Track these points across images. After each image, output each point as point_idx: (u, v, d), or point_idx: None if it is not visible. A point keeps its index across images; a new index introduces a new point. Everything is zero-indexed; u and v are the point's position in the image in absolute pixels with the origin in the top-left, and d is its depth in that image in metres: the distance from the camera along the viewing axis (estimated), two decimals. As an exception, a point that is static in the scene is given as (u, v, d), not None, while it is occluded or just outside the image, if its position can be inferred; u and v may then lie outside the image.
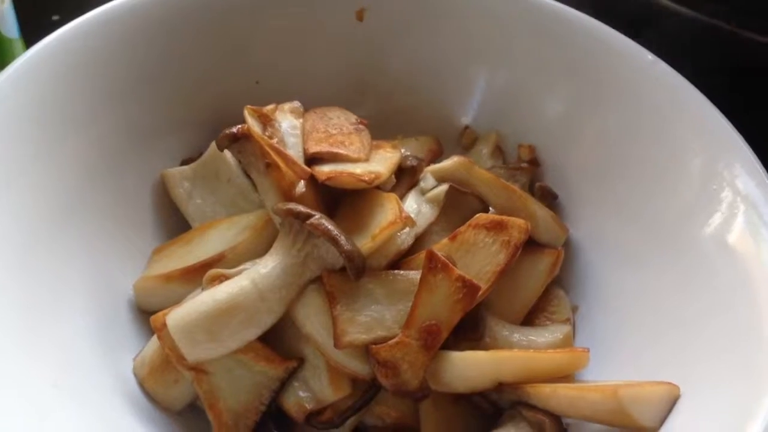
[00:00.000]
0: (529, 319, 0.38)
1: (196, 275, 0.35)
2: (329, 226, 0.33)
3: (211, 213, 0.39)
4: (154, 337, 0.35)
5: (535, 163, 0.42)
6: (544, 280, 0.38)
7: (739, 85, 0.49)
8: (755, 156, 0.35)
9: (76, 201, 0.36)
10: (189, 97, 0.41)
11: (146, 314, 0.36)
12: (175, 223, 0.40)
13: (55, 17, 0.56)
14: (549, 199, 0.41)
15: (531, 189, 0.41)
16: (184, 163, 0.41)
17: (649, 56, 0.39)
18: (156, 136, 0.40)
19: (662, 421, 0.30)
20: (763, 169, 0.35)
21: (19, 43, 0.46)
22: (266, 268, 0.33)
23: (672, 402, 0.30)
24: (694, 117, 0.37)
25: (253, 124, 0.36)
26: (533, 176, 0.42)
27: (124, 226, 0.38)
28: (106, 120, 0.38)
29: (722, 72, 0.49)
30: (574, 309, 0.39)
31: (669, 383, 0.30)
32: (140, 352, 0.35)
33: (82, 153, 0.37)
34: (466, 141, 0.43)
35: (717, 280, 0.33)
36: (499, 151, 0.43)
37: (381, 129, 0.41)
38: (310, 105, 0.41)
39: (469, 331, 0.35)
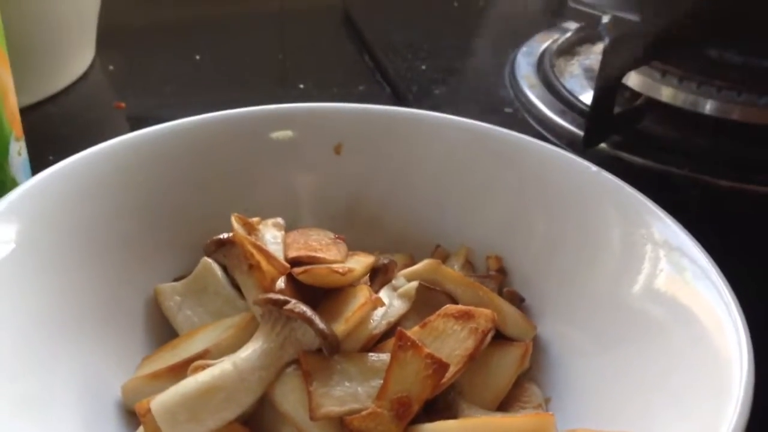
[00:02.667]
0: (502, 408, 0.39)
1: (182, 371, 0.37)
2: (304, 309, 0.36)
3: (198, 322, 0.42)
4: (139, 429, 0.36)
5: (502, 271, 0.45)
6: (514, 370, 0.39)
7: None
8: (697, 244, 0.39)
9: (72, 308, 0.39)
10: (181, 222, 0.45)
11: (133, 415, 0.38)
12: (166, 335, 0.42)
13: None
14: (517, 302, 0.43)
15: (501, 294, 0.44)
16: (176, 280, 0.44)
17: (593, 168, 0.44)
18: (152, 255, 0.44)
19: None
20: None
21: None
22: (246, 351, 0.36)
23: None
24: (639, 217, 0.41)
25: (238, 228, 0.40)
26: (501, 284, 0.44)
27: (117, 335, 0.41)
28: (107, 239, 0.42)
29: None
30: (547, 401, 0.40)
31: None
32: (123, 445, 0.36)
33: (81, 266, 0.41)
34: (437, 258, 0.47)
35: (666, 333, 0.35)
36: (469, 264, 0.46)
37: (358, 249, 0.45)
38: (293, 228, 0.45)
39: (443, 413, 0.36)
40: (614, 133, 0.63)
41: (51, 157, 0.63)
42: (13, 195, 0.39)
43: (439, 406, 0.36)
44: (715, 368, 0.32)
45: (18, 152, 0.50)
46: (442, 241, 0.47)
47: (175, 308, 0.42)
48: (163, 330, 0.42)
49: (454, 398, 0.37)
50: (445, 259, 0.47)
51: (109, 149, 0.43)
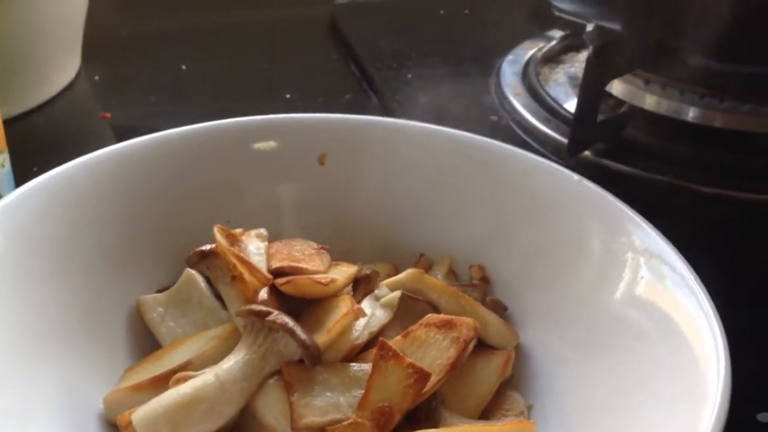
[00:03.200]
0: (485, 416, 0.39)
1: (164, 382, 0.37)
2: (286, 320, 0.36)
3: (182, 333, 0.41)
4: (120, 442, 0.36)
5: (485, 280, 0.45)
6: (497, 378, 0.40)
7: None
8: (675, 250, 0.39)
9: (55, 319, 0.39)
10: (164, 233, 0.45)
11: (115, 427, 0.38)
12: (148, 346, 0.42)
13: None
14: (500, 310, 0.43)
15: (484, 302, 0.44)
16: (159, 291, 0.44)
17: (575, 176, 0.44)
18: (134, 267, 0.44)
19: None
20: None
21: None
22: (228, 363, 0.36)
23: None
24: (619, 224, 0.41)
25: (221, 240, 0.40)
26: (484, 292, 0.45)
27: (100, 347, 0.41)
28: (89, 250, 0.42)
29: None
30: (529, 408, 0.40)
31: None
32: (106, 457, 0.36)
33: (63, 278, 0.41)
34: (421, 267, 0.47)
35: (646, 341, 0.35)
36: (452, 274, 0.46)
37: (342, 259, 0.45)
38: (277, 239, 0.45)
39: (425, 422, 0.36)
40: (598, 141, 0.64)
41: (35, 169, 0.63)
42: (-6, 208, 0.39)
43: (421, 415, 0.36)
44: (694, 375, 0.32)
45: (1, 164, 0.50)
46: (426, 249, 0.47)
47: (158, 319, 0.42)
48: (145, 341, 0.42)
49: (436, 407, 0.37)
50: (428, 267, 0.47)
51: (90, 161, 0.43)
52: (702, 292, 0.35)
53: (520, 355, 0.42)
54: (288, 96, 0.75)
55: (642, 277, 0.39)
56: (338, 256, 0.44)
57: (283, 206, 0.48)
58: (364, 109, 0.74)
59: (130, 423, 0.35)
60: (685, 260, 0.37)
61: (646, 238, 0.40)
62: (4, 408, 0.35)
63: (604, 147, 0.64)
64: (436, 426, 0.36)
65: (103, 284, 0.42)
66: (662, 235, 0.39)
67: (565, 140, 0.64)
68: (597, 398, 0.37)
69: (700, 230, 0.59)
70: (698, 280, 0.36)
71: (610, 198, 0.42)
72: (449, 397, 0.38)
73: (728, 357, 0.32)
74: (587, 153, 0.63)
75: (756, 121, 0.63)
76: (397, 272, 0.46)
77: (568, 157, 0.63)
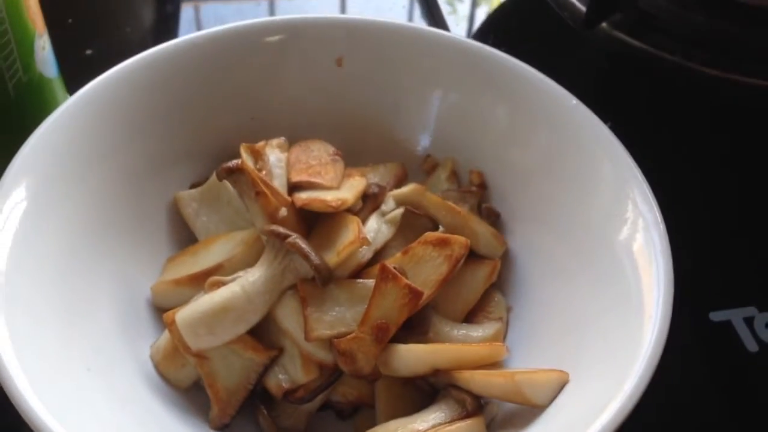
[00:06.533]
0: (470, 317, 0.46)
1: (201, 280, 0.44)
2: (302, 244, 0.42)
3: (214, 229, 0.48)
4: (166, 331, 0.44)
5: (482, 186, 0.50)
6: (482, 285, 0.46)
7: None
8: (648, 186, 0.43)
9: (105, 219, 0.46)
10: (197, 133, 0.50)
11: (161, 311, 0.45)
12: (185, 236, 0.49)
13: (89, 52, 0.65)
14: (492, 217, 0.49)
15: (479, 208, 0.49)
16: (193, 186, 0.50)
17: (574, 101, 0.47)
18: (170, 165, 0.49)
19: (551, 399, 0.38)
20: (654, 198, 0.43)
21: (58, 81, 0.55)
22: (253, 276, 0.42)
23: (561, 385, 0.39)
24: (605, 151, 0.45)
25: (246, 159, 0.45)
26: (481, 198, 0.50)
27: (144, 239, 0.47)
28: (130, 153, 0.47)
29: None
30: (509, 309, 0.47)
31: (560, 371, 0.39)
32: (156, 341, 0.45)
33: (111, 181, 0.46)
34: (427, 167, 0.52)
35: (616, 284, 0.40)
36: (454, 175, 0.51)
37: (355, 157, 0.50)
38: (296, 137, 0.49)
39: (417, 328, 0.44)
40: (615, 12, 0.64)
41: (70, 20, 0.66)
42: (45, 125, 0.44)
43: (414, 322, 0.43)
44: (635, 327, 0.38)
45: (42, 47, 0.53)
46: (432, 151, 0.52)
47: (193, 214, 0.49)
48: (182, 233, 0.49)
49: (428, 315, 0.44)
50: (433, 168, 0.52)
51: (124, 71, 0.47)
52: (664, 259, 0.39)
53: (507, 259, 0.48)
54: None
55: (619, 215, 0.43)
56: (350, 156, 0.49)
57: (302, 106, 0.52)
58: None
59: (173, 322, 0.42)
60: (658, 211, 0.41)
61: (631, 176, 0.43)
62: (72, 295, 0.42)
63: (620, 18, 0.65)
64: (426, 331, 0.44)
65: (144, 184, 0.48)
66: (644, 177, 0.43)
67: (583, 8, 0.65)
68: (563, 318, 0.43)
69: (698, 113, 0.62)
70: (666, 237, 0.40)
71: (603, 128, 0.45)
72: (439, 301, 0.45)
73: (668, 321, 0.37)
74: (603, 24, 0.64)
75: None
76: (405, 172, 0.51)
77: (583, 29, 0.64)
